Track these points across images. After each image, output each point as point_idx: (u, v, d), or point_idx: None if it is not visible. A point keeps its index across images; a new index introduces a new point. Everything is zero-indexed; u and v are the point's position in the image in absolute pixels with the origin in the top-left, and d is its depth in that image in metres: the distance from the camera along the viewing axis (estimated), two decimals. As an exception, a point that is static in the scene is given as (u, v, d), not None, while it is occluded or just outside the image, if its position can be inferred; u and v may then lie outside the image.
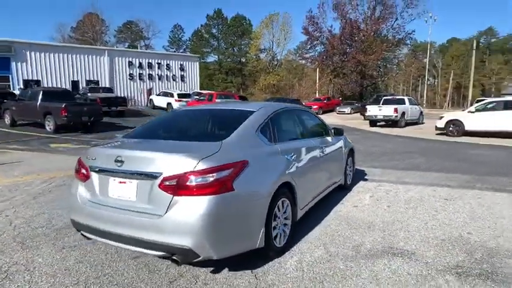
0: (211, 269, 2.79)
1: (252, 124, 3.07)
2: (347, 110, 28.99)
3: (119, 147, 2.92)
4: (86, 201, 2.79)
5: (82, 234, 2.85)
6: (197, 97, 22.31)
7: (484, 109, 13.37)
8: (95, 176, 2.77)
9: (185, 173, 2.36)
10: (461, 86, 60.27)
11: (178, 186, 2.37)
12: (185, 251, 2.32)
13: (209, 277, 2.68)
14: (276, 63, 56.05)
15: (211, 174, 2.37)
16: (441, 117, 14.65)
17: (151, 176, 2.48)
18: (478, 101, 19.20)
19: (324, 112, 28.60)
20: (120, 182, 2.62)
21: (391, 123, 18.24)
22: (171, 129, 3.56)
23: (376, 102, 21.06)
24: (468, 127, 13.39)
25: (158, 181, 2.44)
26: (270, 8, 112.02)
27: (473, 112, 13.57)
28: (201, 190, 2.35)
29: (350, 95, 39.38)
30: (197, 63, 33.66)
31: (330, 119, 22.42)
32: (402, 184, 5.77)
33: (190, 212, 2.32)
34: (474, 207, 4.50)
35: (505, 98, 14.48)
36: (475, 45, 36.29)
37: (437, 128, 14.52)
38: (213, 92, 25.84)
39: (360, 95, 38.85)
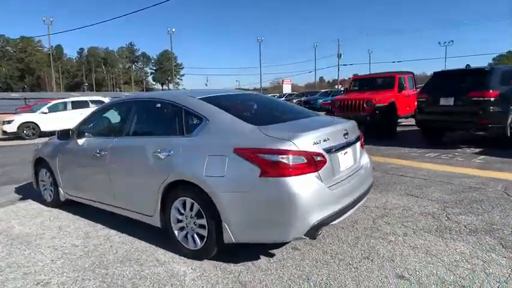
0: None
1: None
2: None
3: (330, 124, 3.06)
4: (323, 190, 2.62)
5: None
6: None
7: (56, 110, 14.64)
8: (328, 158, 2.72)
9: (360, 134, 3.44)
10: None
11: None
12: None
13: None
14: None
15: None
16: (10, 121, 14.04)
17: (357, 140, 3.23)
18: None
19: None
20: (344, 154, 2.97)
21: None
22: (275, 113, 3.54)
23: None
24: (44, 128, 14.12)
25: (358, 142, 3.28)
26: None
27: (46, 113, 14.41)
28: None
29: None
30: None
31: None
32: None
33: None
34: None
35: (71, 98, 16.33)
36: None
37: (6, 133, 13.81)
38: None
39: None
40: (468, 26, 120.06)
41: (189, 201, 2.88)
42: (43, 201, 4.77)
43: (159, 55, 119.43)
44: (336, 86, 55.95)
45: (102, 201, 3.81)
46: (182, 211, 2.96)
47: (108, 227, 3.78)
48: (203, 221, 2.81)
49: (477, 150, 7.00)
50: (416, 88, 11.23)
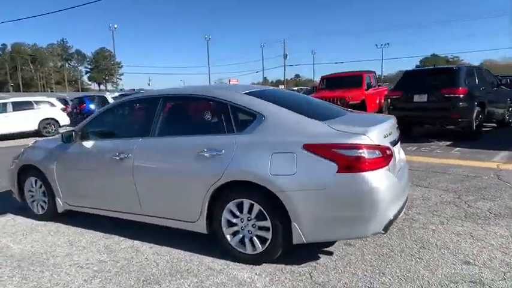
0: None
1: None
2: None
3: (387, 118, 3.05)
4: (396, 184, 2.63)
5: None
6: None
7: (-2, 111, 13.01)
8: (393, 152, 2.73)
9: None
10: None
11: None
12: None
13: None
14: None
15: None
16: None
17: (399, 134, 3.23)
18: None
19: None
20: (396, 147, 3.00)
21: None
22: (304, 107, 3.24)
23: None
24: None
25: None
26: None
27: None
28: None
29: None
30: None
31: None
32: None
33: None
34: None
35: (12, 99, 14.47)
36: None
37: None
38: None
39: None
40: (401, 30, 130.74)
41: (247, 202, 2.70)
42: (30, 215, 4.16)
43: (95, 53, 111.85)
44: (280, 86, 57.37)
45: (121, 210, 3.42)
46: (237, 214, 2.76)
47: (129, 238, 3.41)
48: (265, 223, 2.65)
49: (448, 143, 7.62)
50: (378, 86, 11.93)
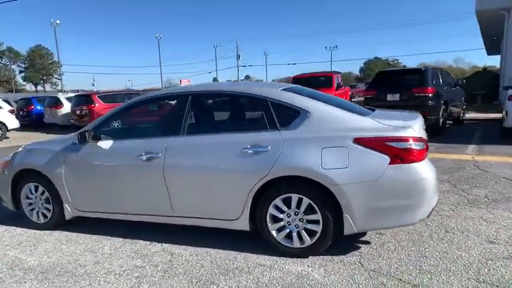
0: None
1: None
2: None
3: (417, 114, 3.25)
4: (435, 173, 2.80)
5: None
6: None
7: None
8: None
9: None
10: None
11: None
12: None
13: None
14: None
15: None
16: None
17: None
18: None
19: None
20: None
21: None
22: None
23: None
24: None
25: None
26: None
27: None
28: None
29: None
30: None
31: None
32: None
33: None
34: None
35: None
36: None
37: None
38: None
39: None
40: (349, 33, 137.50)
41: (295, 197, 2.75)
42: (26, 224, 3.79)
43: (30, 51, 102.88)
44: None
45: (146, 213, 3.27)
46: (284, 209, 2.80)
47: (155, 242, 3.27)
48: (315, 216, 2.72)
49: (418, 138, 8.28)
50: (344, 86, 12.52)
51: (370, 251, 2.89)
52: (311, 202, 2.72)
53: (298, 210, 2.78)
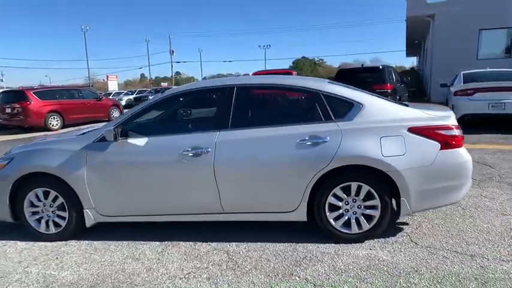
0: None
1: None
2: None
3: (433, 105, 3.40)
4: None
5: None
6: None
7: None
8: None
9: None
10: None
11: None
12: None
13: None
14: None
15: None
16: None
17: None
18: None
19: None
20: None
21: None
22: None
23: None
24: None
25: None
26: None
27: None
28: None
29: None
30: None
31: None
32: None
33: None
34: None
35: None
36: None
37: None
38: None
39: None
40: (280, 33, 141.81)
41: (355, 184, 2.88)
42: (25, 236, 3.30)
43: None
44: (162, 84, 54.42)
45: (191, 212, 3.10)
46: (343, 197, 2.91)
47: (200, 241, 3.12)
48: (373, 202, 2.88)
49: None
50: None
51: (413, 231, 3.15)
52: (370, 189, 2.87)
53: (356, 198, 2.91)
